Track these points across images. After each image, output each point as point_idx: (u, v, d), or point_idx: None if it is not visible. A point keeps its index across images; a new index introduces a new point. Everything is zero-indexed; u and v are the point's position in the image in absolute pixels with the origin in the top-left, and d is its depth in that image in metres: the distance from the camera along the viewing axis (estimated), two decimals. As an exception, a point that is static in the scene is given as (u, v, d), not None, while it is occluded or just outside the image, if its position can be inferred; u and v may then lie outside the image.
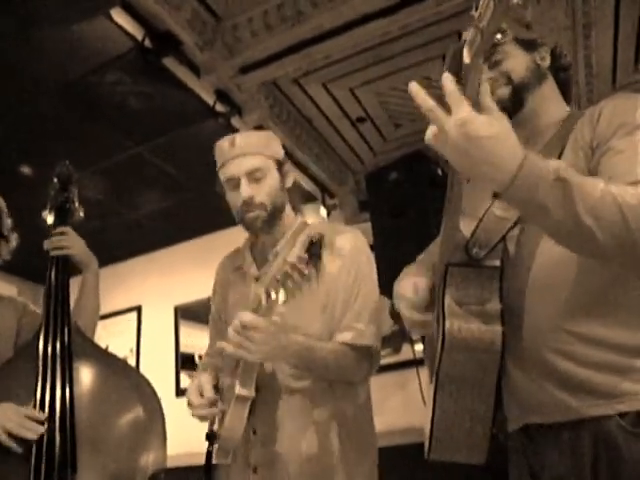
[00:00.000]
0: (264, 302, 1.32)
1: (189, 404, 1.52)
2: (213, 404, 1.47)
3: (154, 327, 4.52)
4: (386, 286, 2.96)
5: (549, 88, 1.27)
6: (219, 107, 2.91)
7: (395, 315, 3.66)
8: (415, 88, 0.90)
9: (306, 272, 1.27)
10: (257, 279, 1.58)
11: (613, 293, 1.06)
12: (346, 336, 1.52)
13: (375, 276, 1.66)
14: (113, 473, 1.56)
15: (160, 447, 1.66)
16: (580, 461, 1.03)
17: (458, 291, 1.12)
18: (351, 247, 1.59)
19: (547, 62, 1.27)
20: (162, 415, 1.71)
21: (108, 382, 1.72)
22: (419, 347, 3.44)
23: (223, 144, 1.58)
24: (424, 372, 3.28)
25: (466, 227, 1.16)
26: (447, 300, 1.11)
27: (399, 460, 1.67)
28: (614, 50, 2.86)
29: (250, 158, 1.55)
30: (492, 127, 0.87)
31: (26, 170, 3.40)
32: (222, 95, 2.89)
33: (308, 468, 1.49)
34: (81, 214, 2.00)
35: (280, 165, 1.62)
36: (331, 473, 1.49)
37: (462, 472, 1.46)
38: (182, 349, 4.31)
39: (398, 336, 3.49)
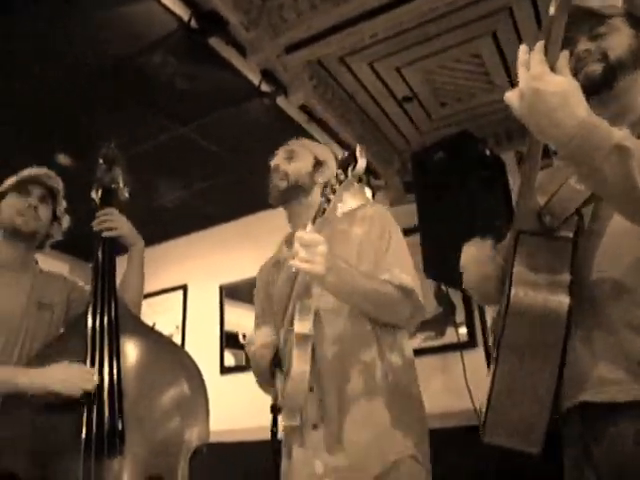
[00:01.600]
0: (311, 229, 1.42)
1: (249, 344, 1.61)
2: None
3: (199, 305, 4.60)
4: (431, 268, 2.96)
5: None
6: (264, 87, 2.90)
7: (439, 297, 3.64)
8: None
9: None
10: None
11: None
12: (384, 275, 1.57)
13: (402, 237, 1.73)
14: (158, 445, 1.61)
15: (203, 422, 1.69)
16: None
17: (528, 259, 1.10)
18: (373, 211, 1.74)
19: None
20: (205, 391, 1.75)
21: (153, 357, 1.77)
22: (463, 330, 3.41)
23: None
24: (468, 356, 3.27)
25: (542, 197, 1.14)
26: (516, 267, 1.10)
27: (440, 444, 1.66)
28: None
29: (295, 144, 1.85)
30: (559, 85, 0.91)
31: (74, 152, 3.47)
32: (267, 75, 2.87)
33: (355, 408, 1.52)
34: (126, 194, 2.03)
35: (317, 161, 1.81)
36: (379, 414, 1.52)
37: (504, 457, 1.45)
38: (227, 328, 4.37)
39: (442, 319, 3.46)
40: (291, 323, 1.51)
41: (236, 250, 4.33)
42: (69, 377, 1.58)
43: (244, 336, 4.30)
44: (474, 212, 2.72)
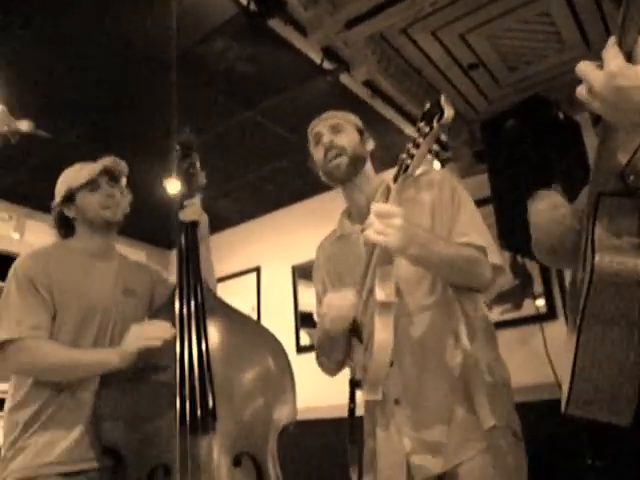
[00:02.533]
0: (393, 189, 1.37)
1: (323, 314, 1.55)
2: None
3: (273, 287, 4.67)
4: (506, 239, 2.88)
5: None
6: (326, 65, 2.88)
7: (515, 269, 3.54)
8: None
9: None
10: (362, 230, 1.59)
11: None
12: (461, 239, 1.53)
13: (473, 203, 1.66)
14: (248, 422, 1.66)
15: (291, 400, 1.74)
16: None
17: (610, 223, 1.03)
18: (440, 176, 1.70)
19: None
20: (291, 370, 1.79)
21: (239, 337, 1.82)
22: (541, 302, 3.31)
23: (312, 122, 1.83)
24: (548, 328, 3.17)
25: (623, 156, 1.07)
26: (597, 232, 1.03)
27: (522, 418, 1.62)
28: None
29: (333, 119, 1.78)
30: None
31: (145, 142, 3.58)
32: (329, 52, 2.85)
33: (440, 380, 1.50)
34: (204, 179, 2.08)
35: (360, 130, 1.78)
36: (464, 385, 1.49)
37: (589, 429, 1.40)
38: (301, 308, 4.42)
39: (518, 291, 3.37)
40: (371, 292, 1.45)
41: (307, 230, 4.35)
42: (147, 333, 1.67)
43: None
44: (550, 178, 2.61)
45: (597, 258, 1.01)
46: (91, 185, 1.94)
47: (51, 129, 3.28)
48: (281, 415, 1.70)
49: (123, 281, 1.95)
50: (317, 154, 1.77)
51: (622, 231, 1.02)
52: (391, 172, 1.42)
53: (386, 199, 1.38)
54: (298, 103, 3.30)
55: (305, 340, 4.33)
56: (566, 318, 3.18)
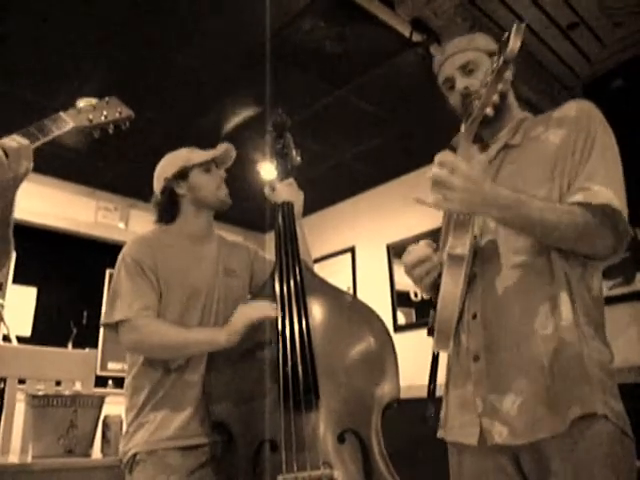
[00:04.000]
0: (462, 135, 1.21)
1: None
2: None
3: (368, 266, 4.67)
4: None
5: None
6: (416, 37, 2.80)
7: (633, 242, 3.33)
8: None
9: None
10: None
11: None
12: (577, 197, 1.29)
13: (615, 148, 1.38)
14: (351, 399, 1.67)
15: (393, 377, 1.73)
16: None
17: None
18: (577, 112, 1.40)
19: None
20: (393, 347, 1.78)
21: (340, 315, 1.83)
22: (655, 276, 3.09)
23: (437, 57, 1.60)
24: (666, 301, 2.96)
25: None
26: None
27: (632, 400, 1.47)
28: None
29: (460, 55, 1.52)
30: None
31: (239, 126, 3.66)
32: (418, 24, 2.77)
33: (544, 348, 1.30)
34: (299, 159, 2.08)
35: (493, 56, 1.46)
36: (558, 360, 1.28)
37: None
38: (397, 287, 4.39)
39: (630, 264, 3.17)
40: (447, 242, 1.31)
41: (401, 208, 4.31)
42: (250, 311, 1.71)
43: (415, 294, 4.30)
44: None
45: None
46: (206, 165, 1.99)
47: (146, 119, 3.43)
48: (384, 392, 1.69)
49: (224, 262, 2.00)
50: (453, 101, 1.56)
51: None
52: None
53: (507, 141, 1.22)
54: (389, 79, 3.24)
55: (402, 319, 4.30)
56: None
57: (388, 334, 1.80)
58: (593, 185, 1.28)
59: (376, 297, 4.40)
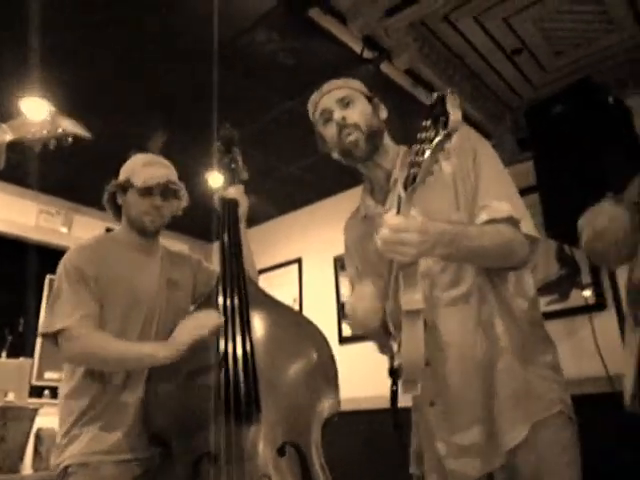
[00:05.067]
0: (403, 199, 1.24)
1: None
2: None
3: (315, 278, 4.68)
4: (552, 228, 2.81)
5: None
6: (367, 54, 2.85)
7: (562, 258, 3.46)
8: None
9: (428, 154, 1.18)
10: (387, 211, 1.51)
11: None
12: (482, 217, 1.40)
13: (498, 161, 1.52)
14: (292, 412, 1.67)
15: (334, 391, 1.74)
16: None
17: None
18: (458, 142, 1.49)
19: None
20: (334, 361, 1.79)
21: (283, 329, 1.83)
22: (589, 292, 3.22)
23: (313, 96, 1.72)
24: (598, 318, 3.09)
25: None
26: None
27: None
28: None
29: (338, 90, 1.65)
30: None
31: (187, 131, 3.62)
32: (369, 41, 2.81)
33: (486, 372, 1.40)
34: (245, 173, 2.08)
35: (369, 98, 1.66)
36: (508, 372, 1.39)
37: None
38: (343, 299, 4.42)
39: (565, 281, 3.29)
40: (397, 293, 1.35)
41: (347, 221, 4.33)
42: (193, 326, 1.69)
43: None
44: (600, 165, 2.53)
45: None
46: (145, 191, 1.96)
47: (94, 126, 3.35)
48: (325, 406, 1.71)
49: (167, 273, 1.98)
50: (328, 133, 1.65)
51: None
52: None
53: (405, 183, 1.23)
54: (339, 93, 3.27)
55: (347, 331, 4.33)
56: (616, 310, 3.09)
57: (329, 348, 1.81)
58: (491, 201, 1.40)
59: (322, 309, 4.42)
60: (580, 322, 3.18)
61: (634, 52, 2.99)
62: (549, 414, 1.37)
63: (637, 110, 3.03)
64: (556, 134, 2.90)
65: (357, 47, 2.84)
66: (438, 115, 1.16)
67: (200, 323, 1.69)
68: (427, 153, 1.18)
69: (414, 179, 1.20)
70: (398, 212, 1.24)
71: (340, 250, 4.72)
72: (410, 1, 2.60)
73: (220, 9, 2.65)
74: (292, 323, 1.87)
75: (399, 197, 1.25)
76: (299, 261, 4.83)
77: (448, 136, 1.17)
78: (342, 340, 4.27)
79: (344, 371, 1.85)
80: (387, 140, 1.67)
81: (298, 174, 4.33)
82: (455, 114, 1.15)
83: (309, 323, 1.88)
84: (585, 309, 3.17)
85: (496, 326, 1.41)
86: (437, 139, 1.16)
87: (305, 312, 4.53)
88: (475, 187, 1.45)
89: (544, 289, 3.33)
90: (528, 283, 1.50)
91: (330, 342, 1.86)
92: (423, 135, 1.20)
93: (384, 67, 2.95)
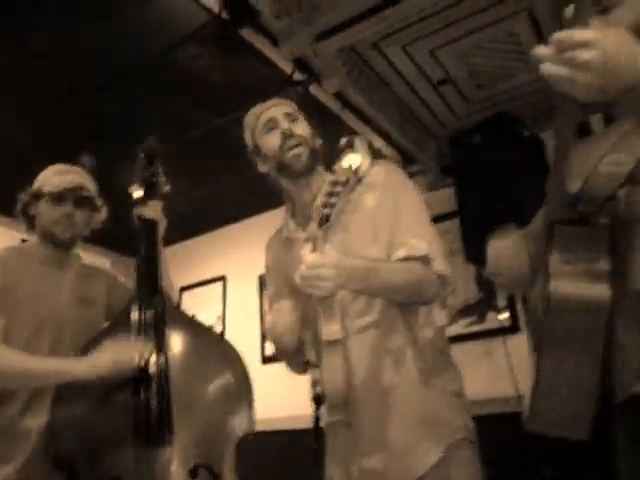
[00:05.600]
0: (319, 235, 1.32)
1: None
2: None
3: (239, 296, 4.64)
4: (471, 253, 2.92)
5: None
6: (297, 75, 2.89)
7: (480, 282, 3.59)
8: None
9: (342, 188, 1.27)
10: (307, 239, 1.55)
11: None
12: (400, 253, 1.47)
13: (419, 199, 1.60)
14: (205, 434, 1.64)
15: (248, 411, 1.71)
16: None
17: (564, 250, 1.06)
18: (384, 175, 1.58)
19: None
20: (249, 380, 1.77)
21: (198, 348, 1.80)
22: (505, 315, 3.35)
23: (253, 109, 1.74)
24: (511, 341, 3.22)
25: (573, 185, 1.10)
26: (552, 260, 1.06)
27: (485, 430, 1.63)
28: None
29: (286, 105, 1.70)
30: (620, 36, 0.89)
31: (112, 146, 3.53)
32: (300, 63, 2.85)
33: (391, 399, 1.44)
34: (167, 188, 2.05)
35: (310, 125, 1.70)
36: (413, 399, 1.45)
37: (552, 443, 1.41)
38: (266, 318, 4.40)
39: (483, 304, 3.42)
40: (316, 323, 1.42)
41: (273, 240, 4.33)
42: (120, 352, 1.63)
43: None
44: (514, 194, 2.66)
45: (552, 285, 1.04)
46: (55, 197, 1.90)
47: (10, 131, 3.23)
48: (237, 427, 1.68)
49: (80, 290, 1.91)
50: (271, 141, 1.64)
51: (576, 258, 1.05)
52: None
53: (321, 217, 1.32)
54: (269, 113, 3.29)
55: (271, 350, 4.31)
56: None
57: (244, 369, 1.78)
58: (410, 239, 1.47)
59: (246, 328, 4.38)
60: (496, 344, 3.30)
61: (546, 90, 3.18)
62: (455, 440, 1.43)
63: (550, 144, 3.21)
64: (476, 163, 3.04)
65: (288, 68, 2.87)
66: (348, 160, 1.26)
67: (125, 351, 1.63)
68: (338, 197, 1.28)
69: (327, 219, 1.28)
70: (314, 249, 1.31)
71: (263, 269, 4.70)
72: (340, 27, 2.66)
73: (150, 23, 2.62)
74: (207, 342, 1.84)
75: (314, 235, 1.32)
76: (223, 279, 4.78)
77: (359, 181, 1.27)
78: (265, 359, 4.24)
79: (267, 391, 1.84)
80: (321, 166, 1.70)
81: (225, 191, 4.30)
82: (364, 160, 1.26)
83: (225, 342, 1.86)
84: (500, 331, 3.30)
85: (404, 355, 1.47)
86: (349, 185, 1.26)
87: (229, 330, 4.50)
88: (395, 223, 1.51)
89: (463, 311, 3.44)
90: (437, 314, 1.58)
91: (253, 361, 1.84)
92: (335, 178, 1.28)
93: (313, 89, 3.00)
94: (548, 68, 0.90)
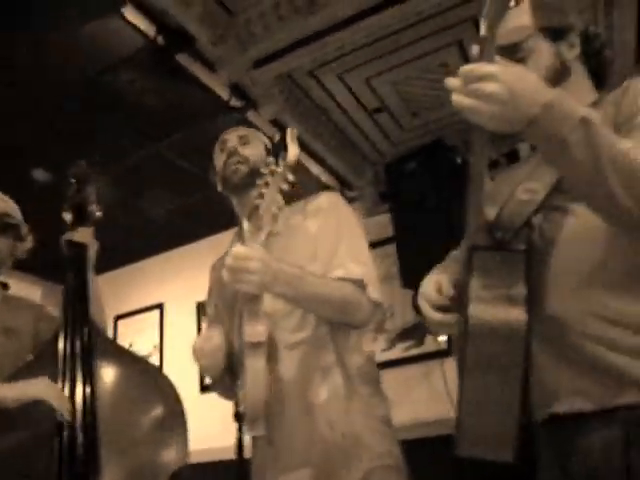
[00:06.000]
0: (247, 231, 1.36)
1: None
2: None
3: (177, 324, 4.54)
4: (408, 277, 2.96)
5: (574, 82, 1.21)
6: (234, 102, 2.89)
7: (417, 306, 3.63)
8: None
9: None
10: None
11: (634, 269, 1.02)
12: (336, 273, 1.50)
13: (359, 226, 1.66)
14: (135, 470, 1.57)
15: (182, 445, 1.65)
16: (611, 452, 0.99)
17: (482, 275, 1.09)
18: (328, 203, 1.65)
19: (576, 50, 1.21)
20: (182, 412, 1.71)
21: (128, 380, 1.73)
22: (442, 339, 3.41)
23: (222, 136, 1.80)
24: (449, 363, 3.27)
25: (491, 212, 1.14)
26: (471, 285, 1.09)
27: (425, 453, 1.63)
28: (637, 29, 2.78)
29: (242, 130, 1.80)
30: (524, 72, 0.97)
31: (43, 172, 3.42)
32: (237, 90, 2.87)
33: (316, 417, 1.45)
34: (99, 214, 1.99)
35: (267, 149, 1.77)
36: (337, 420, 1.45)
37: (489, 465, 1.44)
38: (205, 345, 4.31)
39: (421, 328, 3.46)
40: (240, 329, 1.42)
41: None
42: (54, 401, 1.54)
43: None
44: (449, 221, 2.73)
45: (470, 309, 1.07)
46: None
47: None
48: (170, 460, 1.61)
49: (2, 320, 1.82)
50: (219, 160, 1.75)
51: (494, 283, 1.08)
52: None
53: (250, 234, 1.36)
54: (205, 139, 3.23)
55: (209, 379, 4.22)
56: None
57: (177, 398, 1.73)
58: (348, 262, 1.51)
59: (184, 356, 4.25)
60: (433, 366, 3.35)
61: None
62: (375, 466, 1.43)
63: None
64: (411, 189, 3.10)
65: (225, 94, 2.87)
66: (278, 151, 1.35)
67: (56, 392, 1.55)
68: (270, 184, 1.32)
69: (257, 208, 1.32)
70: (243, 242, 1.34)
71: (203, 296, 4.62)
72: (277, 55, 2.69)
73: (85, 45, 2.57)
74: (138, 373, 1.77)
75: (243, 229, 1.36)
76: (161, 307, 4.67)
77: (288, 168, 1.33)
78: (204, 388, 4.15)
79: (205, 421, 1.80)
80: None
81: (163, 217, 4.22)
82: (293, 150, 1.33)
83: (157, 372, 1.81)
84: (438, 354, 3.35)
85: (332, 374, 1.48)
86: (278, 173, 1.33)
87: (166, 359, 4.38)
88: (335, 246, 1.55)
89: (402, 335, 3.48)
90: (367, 342, 1.63)
91: (191, 390, 1.79)
92: (267, 169, 1.34)
93: (250, 116, 3.00)
94: (457, 98, 0.94)
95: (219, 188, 1.77)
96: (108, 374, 1.70)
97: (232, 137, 1.76)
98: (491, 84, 0.90)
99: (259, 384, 1.34)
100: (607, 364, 1.01)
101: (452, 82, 0.94)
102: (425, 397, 3.27)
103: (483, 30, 0.91)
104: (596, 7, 2.59)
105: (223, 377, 1.55)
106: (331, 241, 1.56)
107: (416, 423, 3.07)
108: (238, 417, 1.41)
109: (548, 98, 0.91)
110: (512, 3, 1.07)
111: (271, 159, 1.34)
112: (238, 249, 1.31)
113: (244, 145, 1.72)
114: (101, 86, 2.83)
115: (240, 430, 1.41)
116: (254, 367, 1.34)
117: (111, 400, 1.64)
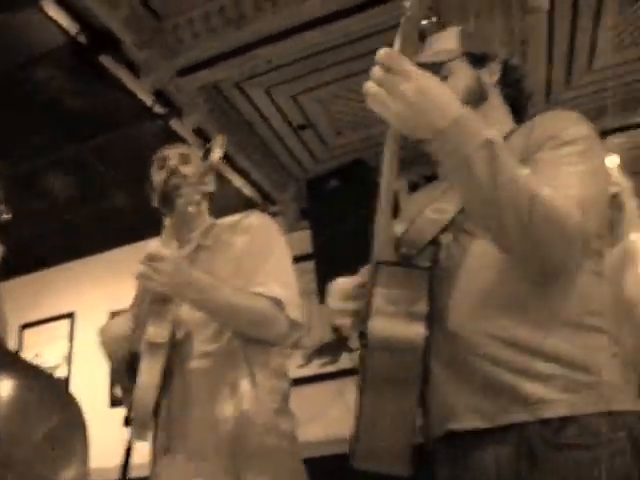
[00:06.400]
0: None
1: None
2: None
3: (88, 334, 4.34)
4: (324, 295, 2.97)
5: (490, 106, 1.25)
6: (158, 108, 2.84)
7: (335, 325, 3.65)
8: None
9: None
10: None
11: (524, 294, 1.06)
12: (256, 289, 1.52)
13: (287, 250, 1.69)
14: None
15: (80, 460, 1.58)
16: (503, 470, 1.01)
17: (386, 290, 1.09)
18: (259, 223, 1.69)
19: (495, 78, 1.26)
20: (83, 426, 1.64)
21: (24, 395, 1.64)
22: (355, 356, 3.44)
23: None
24: (362, 380, 3.30)
25: (399, 229, 1.16)
26: (374, 298, 1.09)
27: (339, 469, 1.63)
28: (548, 67, 2.94)
29: (182, 148, 1.79)
30: (439, 83, 0.96)
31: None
32: (161, 96, 2.82)
33: (224, 431, 1.44)
34: (6, 216, 1.89)
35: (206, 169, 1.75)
36: (243, 435, 1.44)
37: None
38: (117, 357, 4.17)
39: (337, 345, 3.49)
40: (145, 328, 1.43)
41: (127, 276, 4.15)
42: None
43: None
44: (367, 239, 2.77)
45: (370, 324, 1.07)
46: None
47: None
48: (67, 476, 1.54)
49: None
50: (158, 177, 1.71)
51: (396, 299, 1.09)
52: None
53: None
54: (127, 144, 3.19)
55: (120, 393, 4.07)
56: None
57: (78, 411, 1.65)
58: (269, 282, 1.53)
59: (95, 367, 4.10)
60: (348, 383, 3.36)
61: (403, 141, 3.38)
62: None
63: (402, 192, 3.40)
64: (331, 206, 3.14)
65: (148, 100, 2.81)
66: (207, 155, 1.45)
67: None
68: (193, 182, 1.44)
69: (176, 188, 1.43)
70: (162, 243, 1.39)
71: (117, 305, 4.48)
72: (204, 64, 2.66)
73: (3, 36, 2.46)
74: (35, 387, 1.68)
75: (170, 237, 1.41)
76: (72, 316, 4.48)
77: (209, 169, 1.46)
78: (114, 403, 4.00)
79: (114, 435, 1.72)
80: (205, 209, 1.75)
81: (75, 223, 4.07)
82: (216, 152, 1.44)
83: (57, 386, 1.72)
84: (352, 371, 3.36)
85: (240, 389, 1.48)
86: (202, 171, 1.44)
87: (76, 371, 4.21)
88: (259, 265, 1.57)
89: (318, 352, 3.49)
90: (281, 359, 1.62)
91: (101, 404, 1.73)
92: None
93: (174, 124, 2.95)
94: (370, 87, 0.94)
95: (154, 203, 1.73)
96: (2, 387, 1.61)
97: (172, 154, 1.73)
98: (406, 83, 0.91)
99: (151, 388, 1.35)
100: (500, 383, 1.03)
101: (375, 70, 0.93)
102: (339, 414, 3.28)
103: (396, 45, 0.94)
104: (512, 45, 2.72)
105: (121, 368, 1.52)
106: (256, 259, 1.58)
107: (330, 440, 3.08)
108: (127, 422, 1.39)
109: (458, 114, 0.92)
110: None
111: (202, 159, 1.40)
112: (155, 249, 1.35)
113: (184, 164, 1.71)
114: (15, 82, 2.71)
115: (130, 443, 1.38)
116: (150, 369, 1.35)
117: (6, 415, 1.55)
